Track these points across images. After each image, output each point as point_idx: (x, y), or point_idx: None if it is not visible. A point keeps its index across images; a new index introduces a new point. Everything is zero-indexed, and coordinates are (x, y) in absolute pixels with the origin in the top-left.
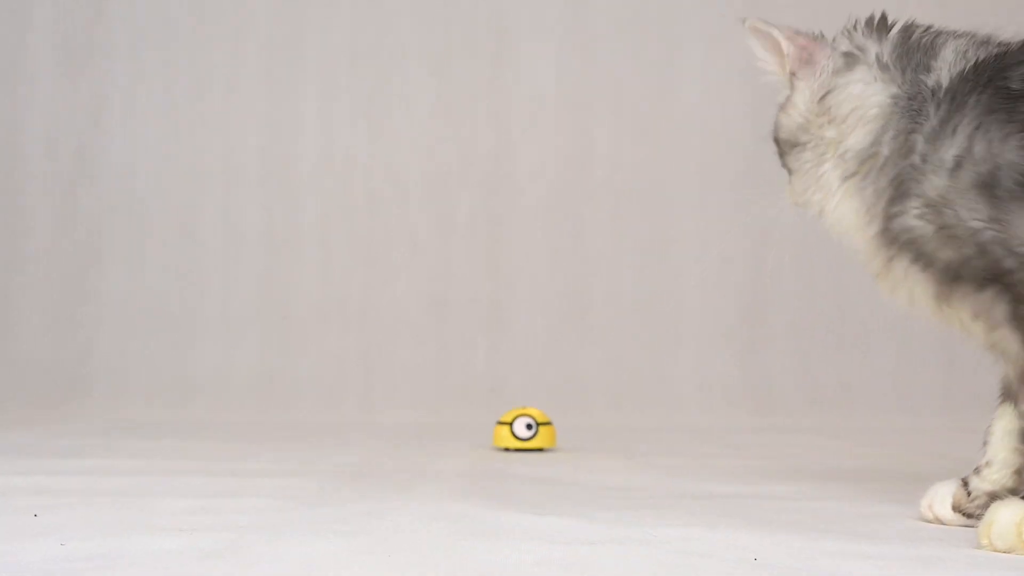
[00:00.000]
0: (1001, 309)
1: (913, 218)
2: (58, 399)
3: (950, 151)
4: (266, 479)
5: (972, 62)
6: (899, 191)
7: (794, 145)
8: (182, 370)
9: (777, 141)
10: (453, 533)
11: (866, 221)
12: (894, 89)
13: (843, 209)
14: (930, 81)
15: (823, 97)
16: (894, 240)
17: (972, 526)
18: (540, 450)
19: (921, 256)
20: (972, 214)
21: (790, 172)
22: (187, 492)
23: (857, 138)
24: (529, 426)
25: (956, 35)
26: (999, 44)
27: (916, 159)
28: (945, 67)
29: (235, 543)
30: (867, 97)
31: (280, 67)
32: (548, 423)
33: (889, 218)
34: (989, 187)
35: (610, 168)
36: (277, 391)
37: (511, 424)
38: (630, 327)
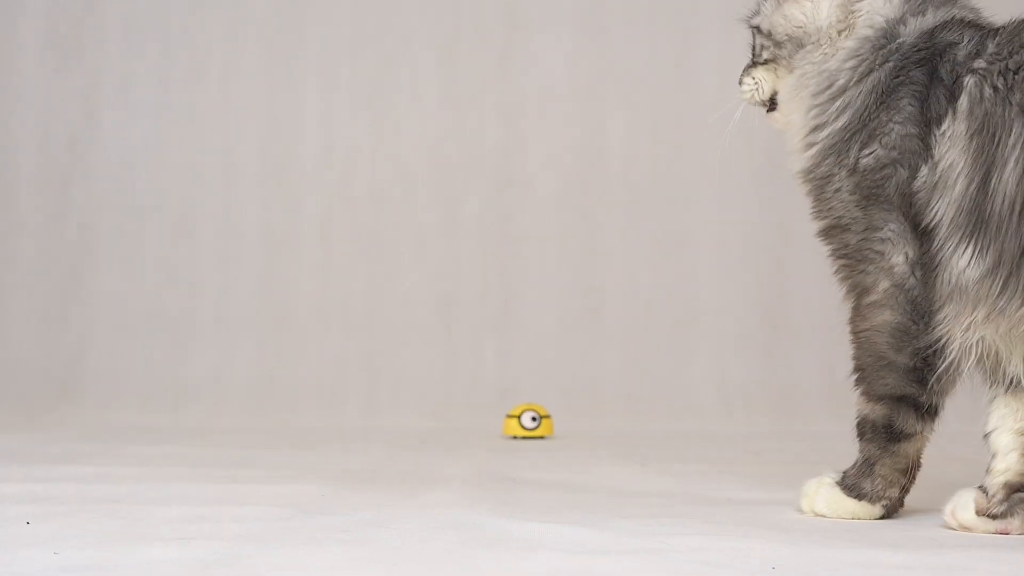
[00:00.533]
0: (843, 289)
1: (819, 164)
2: (49, 403)
3: (861, 134)
4: (265, 486)
5: (931, 26)
6: (838, 137)
7: (800, 45)
8: (178, 373)
9: (769, 33)
10: (460, 542)
11: (801, 148)
12: (895, 14)
13: (796, 124)
14: (905, 29)
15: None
16: (808, 180)
17: (1000, 532)
18: (542, 438)
19: (817, 198)
20: (844, 198)
21: (763, 63)
22: (184, 500)
23: (839, 56)
24: (534, 418)
25: (962, 5)
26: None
27: (863, 116)
28: (928, 19)
29: (233, 552)
30: (876, 11)
31: (279, 56)
32: (548, 416)
33: (808, 147)
34: (869, 181)
35: (624, 162)
36: (277, 395)
37: (519, 417)
38: (645, 328)
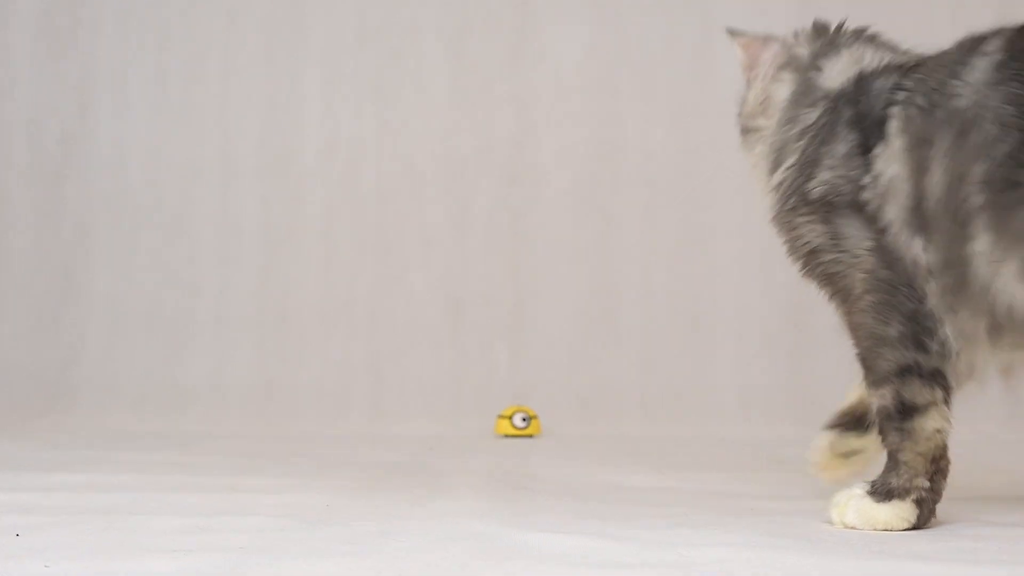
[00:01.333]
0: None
1: (783, 205)
2: (41, 408)
3: (808, 170)
4: (267, 495)
5: (857, 72)
6: (790, 186)
7: (746, 131)
8: (175, 376)
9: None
10: (470, 553)
11: (768, 200)
12: (794, 87)
13: (761, 184)
14: (821, 80)
15: (763, 100)
16: (779, 223)
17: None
18: (531, 436)
19: (790, 246)
20: (810, 224)
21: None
22: (182, 510)
23: (770, 127)
24: (524, 419)
25: (866, 38)
26: (894, 54)
27: (796, 155)
28: (839, 70)
29: (234, 565)
30: (780, 94)
31: (281, 46)
32: (535, 416)
33: (771, 195)
34: (825, 203)
35: (642, 156)
36: (278, 399)
37: (510, 417)
38: (663, 329)
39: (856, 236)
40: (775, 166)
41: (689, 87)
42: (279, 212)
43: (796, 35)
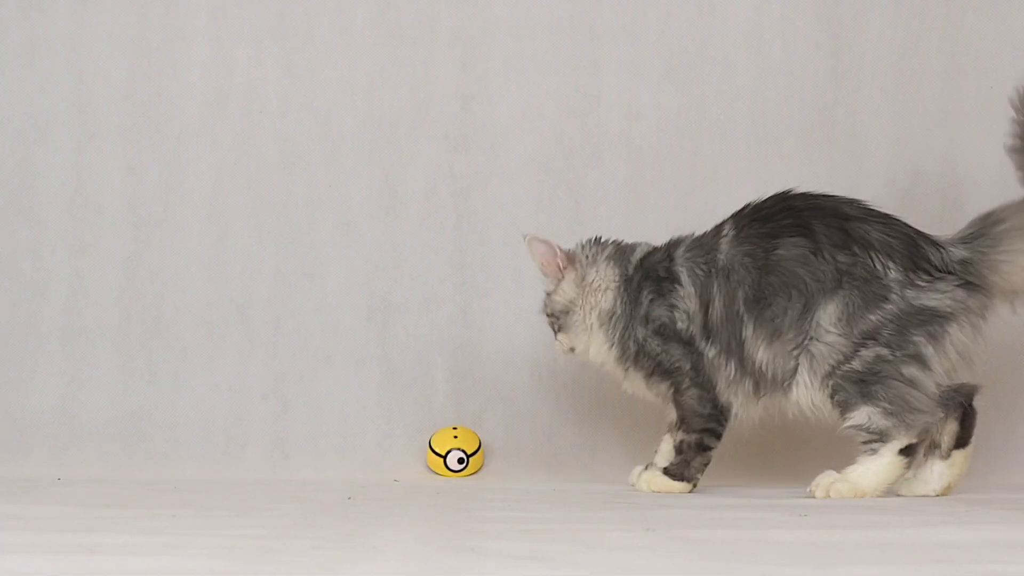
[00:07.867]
0: (667, 391)
1: (630, 345)
2: None
3: (641, 312)
4: (133, 558)
5: (640, 260)
6: (625, 333)
7: (566, 312)
8: (12, 405)
9: (550, 315)
10: None
11: (607, 348)
12: (619, 270)
13: (597, 344)
14: (630, 271)
15: (583, 279)
16: (623, 358)
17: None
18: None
19: (635, 364)
20: (654, 345)
21: (559, 331)
22: None
23: (607, 302)
24: (461, 460)
25: (638, 245)
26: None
27: (630, 317)
28: (633, 264)
29: None
30: (609, 275)
31: None
32: (478, 450)
33: (621, 346)
34: (657, 333)
35: (625, 118)
36: (148, 435)
37: (445, 457)
38: None
39: (682, 354)
40: (614, 322)
41: (687, 27)
42: (150, 185)
43: (583, 245)
